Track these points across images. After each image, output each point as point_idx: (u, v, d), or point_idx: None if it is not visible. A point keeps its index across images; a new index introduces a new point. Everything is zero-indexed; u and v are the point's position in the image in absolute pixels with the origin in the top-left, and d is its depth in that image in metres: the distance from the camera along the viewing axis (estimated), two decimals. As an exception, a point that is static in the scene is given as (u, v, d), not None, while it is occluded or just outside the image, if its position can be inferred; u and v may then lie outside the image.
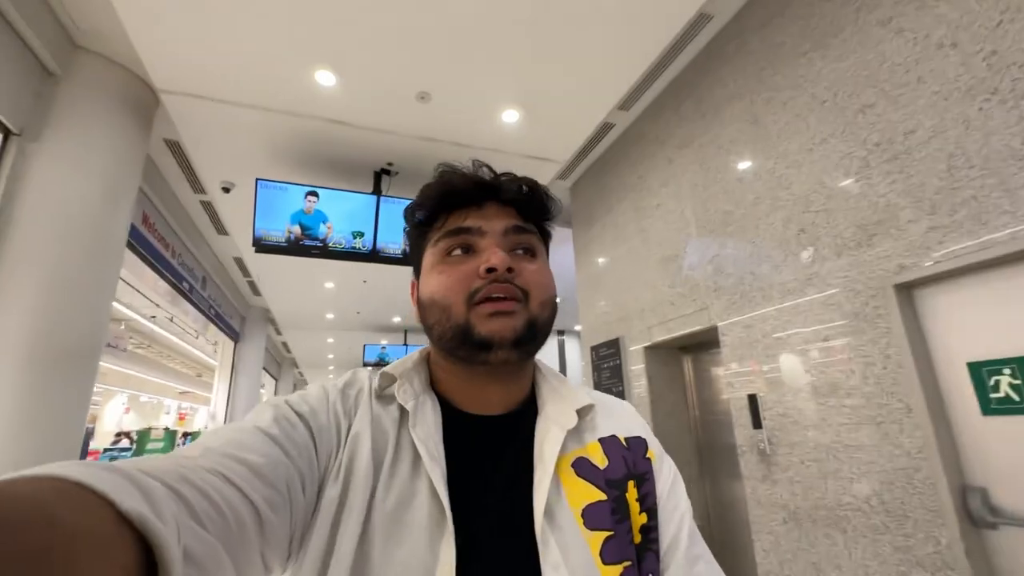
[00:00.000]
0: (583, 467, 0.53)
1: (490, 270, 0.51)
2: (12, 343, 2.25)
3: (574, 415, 0.55)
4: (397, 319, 8.77)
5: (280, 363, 13.95)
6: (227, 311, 7.13)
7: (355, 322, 8.86)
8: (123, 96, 2.89)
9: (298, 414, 0.47)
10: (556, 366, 9.56)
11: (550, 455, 0.51)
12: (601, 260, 3.89)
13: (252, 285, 7.20)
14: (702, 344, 3.19)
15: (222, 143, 3.41)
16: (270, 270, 6.05)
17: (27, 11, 2.37)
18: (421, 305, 0.56)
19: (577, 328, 9.61)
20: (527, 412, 0.56)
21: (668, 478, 0.58)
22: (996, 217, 1.57)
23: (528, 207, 0.58)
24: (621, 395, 3.44)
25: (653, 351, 3.31)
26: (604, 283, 3.85)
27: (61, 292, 2.46)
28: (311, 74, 2.80)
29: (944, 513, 1.64)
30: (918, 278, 1.76)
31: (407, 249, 0.64)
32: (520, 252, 0.56)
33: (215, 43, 2.57)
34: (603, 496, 0.51)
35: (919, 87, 1.80)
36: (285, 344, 11.56)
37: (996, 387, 1.59)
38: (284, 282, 6.61)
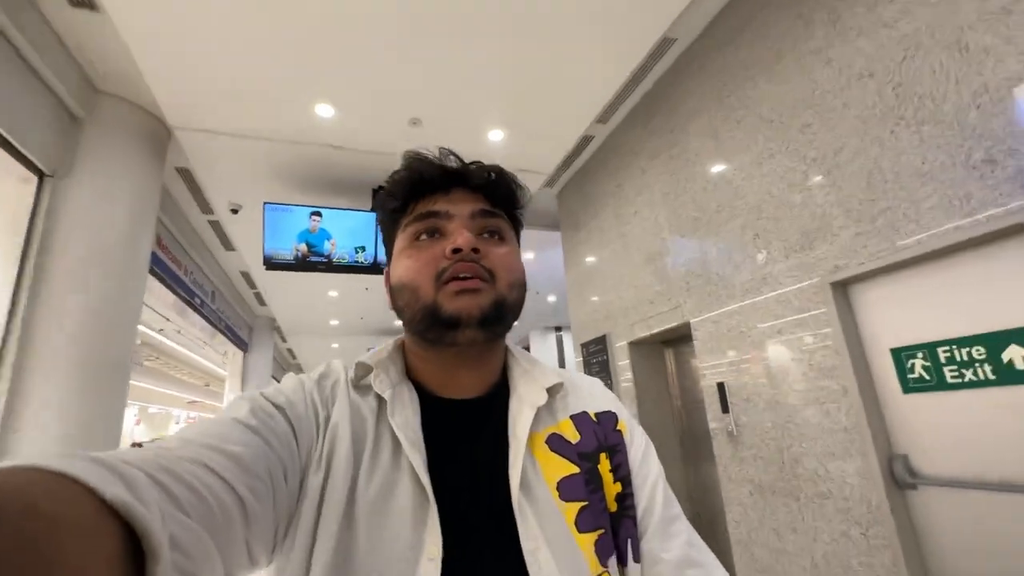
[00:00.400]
0: (556, 443, 0.55)
1: (456, 250, 0.52)
2: (64, 358, 2.53)
3: (544, 393, 0.56)
4: (399, 323, 9.03)
5: (286, 370, 14.24)
6: (235, 322, 7.41)
7: (359, 327, 9.14)
8: (140, 133, 3.16)
9: (275, 405, 0.47)
10: (555, 361, 9.86)
11: (523, 431, 0.53)
12: (588, 261, 4.17)
13: (258, 296, 7.48)
14: (681, 338, 3.47)
15: (231, 170, 3.68)
16: (276, 282, 6.33)
17: (53, 62, 2.64)
18: (392, 290, 0.57)
19: (574, 324, 9.90)
20: (500, 394, 0.58)
21: (640, 447, 0.60)
22: (905, 225, 1.84)
23: (496, 193, 0.58)
24: (610, 387, 3.72)
25: (636, 346, 3.59)
26: (591, 283, 4.12)
27: (99, 313, 2.74)
28: (312, 107, 3.06)
29: (874, 478, 1.92)
30: (850, 276, 2.04)
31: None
32: (487, 236, 0.56)
33: (223, 83, 2.84)
34: (576, 469, 0.53)
35: (844, 111, 2.07)
36: (291, 351, 11.84)
37: (912, 369, 1.87)
38: (289, 293, 6.89)
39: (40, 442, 2.40)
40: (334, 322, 8.71)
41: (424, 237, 0.55)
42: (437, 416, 0.54)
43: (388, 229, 0.60)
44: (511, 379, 0.59)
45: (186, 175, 3.97)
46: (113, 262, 2.90)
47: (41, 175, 2.73)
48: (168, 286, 4.60)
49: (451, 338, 0.51)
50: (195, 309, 5.56)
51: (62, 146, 2.82)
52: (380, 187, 4.80)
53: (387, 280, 0.60)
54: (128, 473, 0.27)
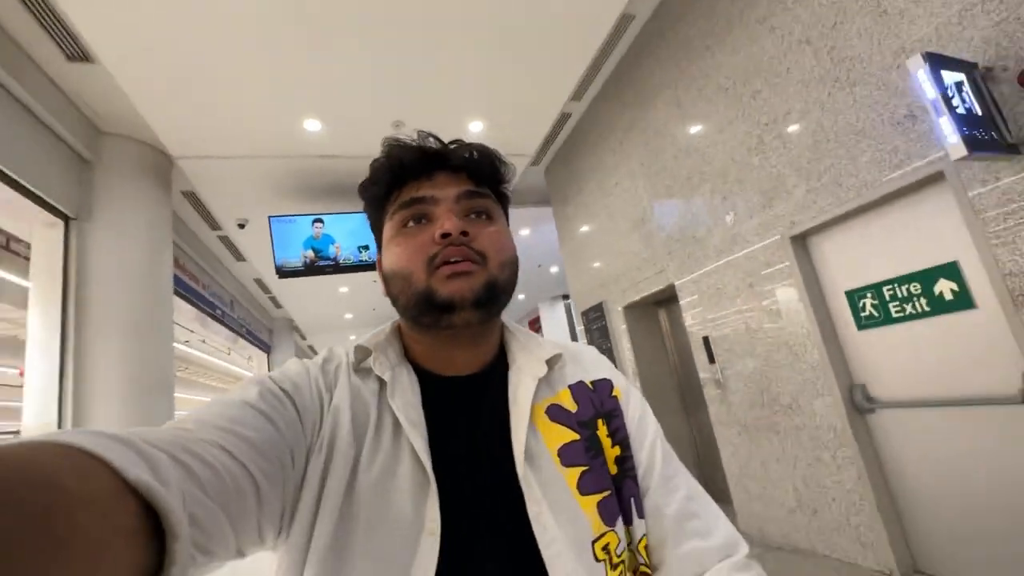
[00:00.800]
0: (556, 412, 0.56)
1: (444, 235, 0.52)
2: (114, 383, 2.85)
3: (543, 365, 0.57)
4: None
5: (309, 365, 14.71)
6: (255, 327, 7.77)
7: (372, 317, 9.48)
8: (146, 166, 3.39)
9: (283, 390, 0.48)
10: (566, 332, 10.14)
11: (524, 401, 0.53)
12: (579, 233, 4.37)
13: (273, 300, 7.81)
14: (670, 299, 3.69)
15: (233, 188, 3.91)
16: (288, 286, 6.62)
17: (58, 111, 2.85)
18: (384, 278, 0.57)
19: (580, 291, 10.13)
20: (498, 368, 0.58)
21: (637, 409, 0.61)
22: (846, 180, 2.02)
23: (479, 172, 0.57)
24: (610, 352, 3.98)
25: (631, 310, 3.82)
26: (584, 254, 4.33)
27: (137, 337, 3.04)
28: (300, 124, 3.26)
29: (838, 406, 2.16)
30: (805, 230, 2.24)
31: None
32: (474, 216, 0.56)
33: (217, 113, 3.03)
34: (576, 436, 0.54)
35: (788, 76, 2.22)
36: (311, 347, 12.28)
37: (863, 308, 2.09)
38: (302, 294, 7.19)
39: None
40: (348, 316, 9.05)
41: (411, 224, 0.54)
42: (437, 395, 0.54)
43: (375, 218, 0.60)
44: (509, 353, 0.59)
45: (192, 197, 4.20)
46: (142, 289, 3.18)
47: (66, 219, 2.99)
48: (189, 301, 4.90)
49: (446, 321, 0.52)
50: (216, 319, 5.89)
51: (78, 189, 3.07)
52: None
53: (379, 268, 0.60)
54: (150, 453, 0.28)
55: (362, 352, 0.55)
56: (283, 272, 3.85)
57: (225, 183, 3.81)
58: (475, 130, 3.66)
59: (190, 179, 3.69)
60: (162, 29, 2.42)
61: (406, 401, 0.52)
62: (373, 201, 0.59)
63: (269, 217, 3.82)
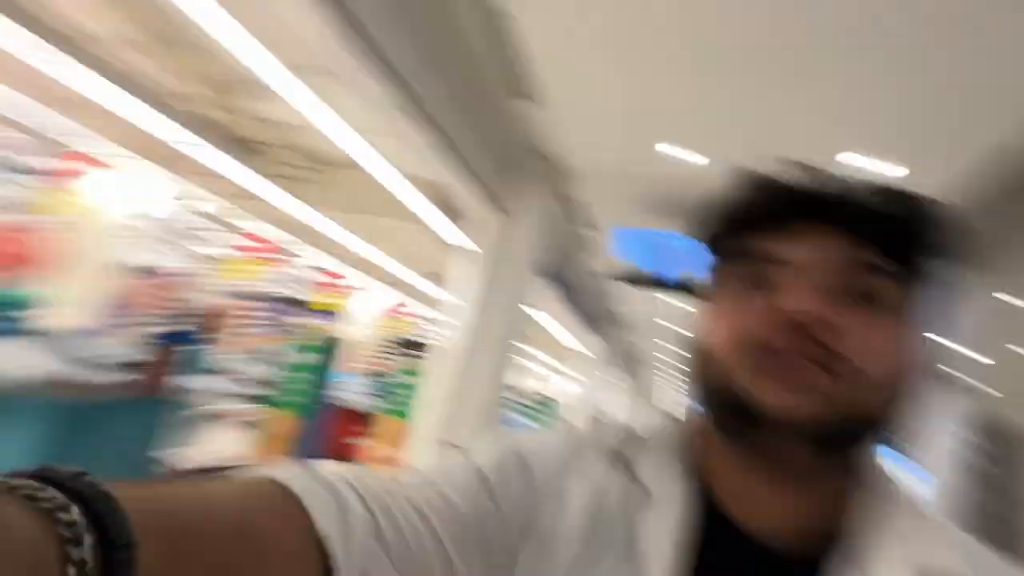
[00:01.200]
0: None
1: (791, 319, 0.34)
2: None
3: None
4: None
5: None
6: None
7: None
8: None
9: (523, 465, 0.41)
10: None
11: None
12: None
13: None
14: None
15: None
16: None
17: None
18: (692, 352, 0.42)
19: None
20: (834, 552, 0.36)
21: None
22: None
23: (878, 230, 0.36)
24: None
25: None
26: None
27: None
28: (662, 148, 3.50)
29: None
30: None
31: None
32: (851, 300, 0.35)
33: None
34: None
35: None
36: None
37: None
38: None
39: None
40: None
41: (742, 288, 0.38)
42: (716, 555, 0.37)
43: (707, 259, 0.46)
44: (862, 530, 0.36)
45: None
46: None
47: (500, 208, 4.19)
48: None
49: (758, 438, 0.35)
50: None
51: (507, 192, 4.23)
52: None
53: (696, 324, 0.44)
54: (349, 506, 0.28)
55: (634, 444, 0.43)
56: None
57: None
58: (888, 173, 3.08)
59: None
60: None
61: (661, 529, 0.37)
62: (704, 237, 0.43)
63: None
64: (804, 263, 0.36)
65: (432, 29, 2.71)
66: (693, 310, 0.44)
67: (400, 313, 9.00)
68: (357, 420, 4.66)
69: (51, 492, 0.17)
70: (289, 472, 0.28)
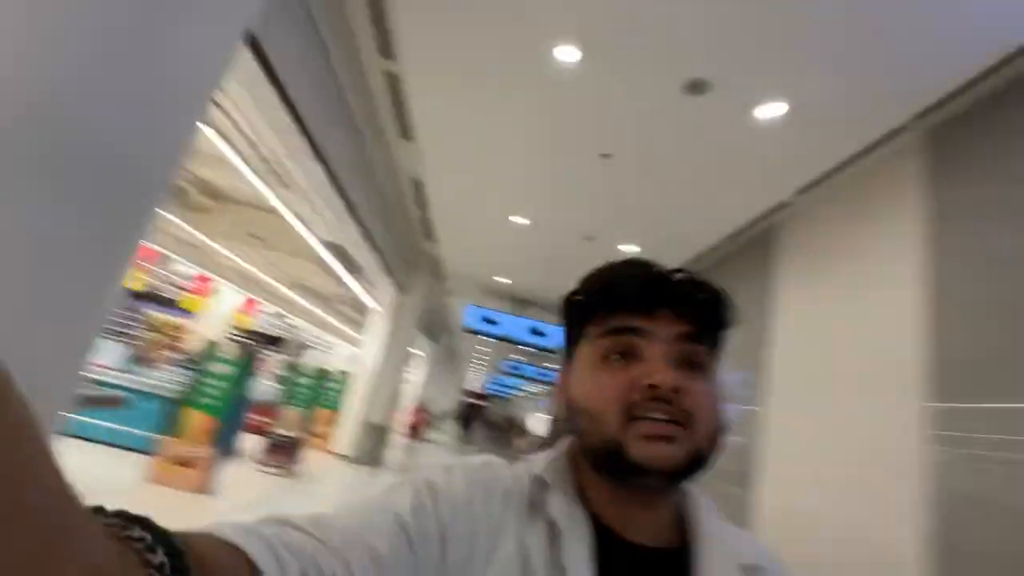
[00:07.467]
0: None
1: (653, 386, 0.44)
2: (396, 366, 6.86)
3: (739, 574, 0.48)
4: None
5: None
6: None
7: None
8: (430, 269, 7.39)
9: (437, 509, 0.44)
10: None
11: None
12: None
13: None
14: None
15: (461, 283, 7.82)
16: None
17: (413, 248, 6.88)
18: (569, 403, 0.51)
19: None
20: (684, 551, 0.49)
21: None
22: None
23: (703, 315, 0.49)
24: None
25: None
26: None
27: (425, 363, 7.03)
28: (494, 277, 6.93)
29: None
30: None
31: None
32: (688, 368, 0.47)
33: (463, 258, 6.81)
34: None
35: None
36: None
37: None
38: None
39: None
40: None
41: (615, 357, 0.48)
42: (614, 561, 0.46)
43: (571, 330, 0.54)
44: (696, 535, 0.50)
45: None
46: (412, 328, 7.15)
47: (400, 290, 7.05)
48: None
49: (632, 482, 0.46)
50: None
51: (407, 277, 7.13)
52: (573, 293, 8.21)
53: (560, 383, 0.55)
54: (287, 566, 0.32)
55: (540, 486, 0.50)
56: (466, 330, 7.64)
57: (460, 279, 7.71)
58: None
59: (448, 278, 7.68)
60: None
61: (579, 558, 0.45)
62: (575, 314, 0.54)
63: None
64: (663, 338, 0.47)
65: (373, 184, 4.38)
66: (560, 372, 0.55)
67: (252, 310, 10.47)
68: (267, 412, 6.00)
69: (138, 532, 0.25)
70: (234, 533, 0.32)
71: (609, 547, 0.46)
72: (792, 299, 3.53)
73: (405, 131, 3.96)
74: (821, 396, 2.95)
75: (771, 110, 2.70)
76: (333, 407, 7.00)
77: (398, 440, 9.60)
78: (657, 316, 0.48)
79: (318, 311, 11.17)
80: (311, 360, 12.13)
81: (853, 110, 2.59)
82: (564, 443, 0.54)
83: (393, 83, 3.39)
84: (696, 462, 0.45)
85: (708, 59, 2.48)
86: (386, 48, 3.06)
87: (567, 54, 2.64)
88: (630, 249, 5.07)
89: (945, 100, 2.39)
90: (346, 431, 6.52)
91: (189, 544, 0.27)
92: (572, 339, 0.54)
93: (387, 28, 2.87)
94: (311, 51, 2.77)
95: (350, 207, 4.19)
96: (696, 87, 2.65)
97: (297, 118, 2.82)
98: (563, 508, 0.47)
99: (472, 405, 20.04)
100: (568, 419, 0.51)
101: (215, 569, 0.29)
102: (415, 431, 12.52)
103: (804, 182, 3.30)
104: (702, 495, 0.53)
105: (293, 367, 7.19)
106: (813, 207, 3.45)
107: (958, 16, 2.00)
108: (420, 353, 13.14)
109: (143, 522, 0.26)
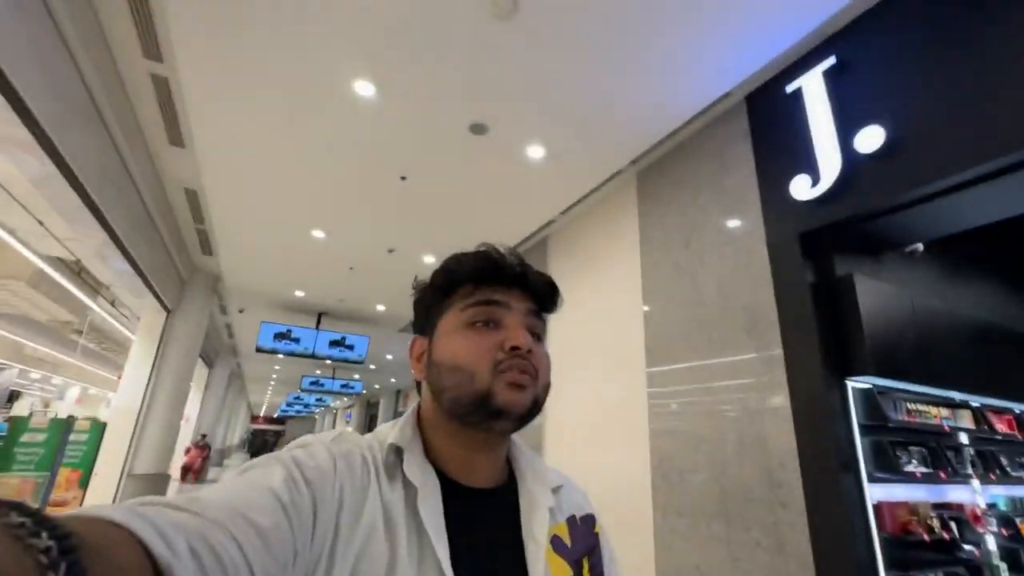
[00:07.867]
0: (558, 545, 0.59)
1: (515, 348, 0.56)
2: (168, 414, 5.87)
3: (551, 495, 0.62)
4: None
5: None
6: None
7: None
8: (209, 285, 6.54)
9: (306, 481, 0.47)
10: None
11: (540, 532, 0.57)
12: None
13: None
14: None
15: (249, 299, 7.09)
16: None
17: (181, 262, 5.98)
18: (435, 365, 0.59)
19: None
20: (510, 486, 0.62)
21: (609, 546, 0.67)
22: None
23: (543, 298, 0.64)
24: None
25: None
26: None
27: (200, 390, 6.08)
28: (292, 292, 6.57)
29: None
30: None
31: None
32: (532, 336, 0.60)
33: (252, 273, 6.28)
34: (571, 572, 0.58)
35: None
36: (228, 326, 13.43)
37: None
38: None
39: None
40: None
41: (480, 324, 0.59)
42: (458, 506, 0.55)
43: (433, 303, 0.63)
44: (517, 471, 0.64)
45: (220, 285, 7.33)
46: (192, 355, 6.24)
47: (168, 311, 6.06)
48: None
49: (489, 425, 0.56)
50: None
51: (177, 295, 6.17)
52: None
53: (415, 350, 0.64)
54: (174, 541, 0.32)
55: (395, 452, 0.57)
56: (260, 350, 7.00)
57: (246, 297, 7.00)
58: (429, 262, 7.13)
59: (226, 291, 6.88)
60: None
61: (433, 510, 0.53)
62: (440, 288, 0.63)
63: (261, 321, 7.03)
64: (519, 310, 0.60)
65: (131, 189, 4.19)
66: (416, 342, 0.64)
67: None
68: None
69: (16, 518, 0.23)
70: (116, 512, 0.31)
71: (455, 495, 0.56)
72: (563, 294, 4.34)
73: (175, 137, 3.55)
74: (585, 370, 3.74)
75: (535, 152, 3.35)
76: (82, 465, 5.60)
77: (172, 488, 8.16)
78: (513, 292, 0.61)
79: (40, 346, 8.65)
80: (42, 410, 9.34)
81: (590, 155, 3.41)
82: (406, 416, 0.62)
83: (160, 86, 3.04)
84: (537, 406, 0.58)
85: (485, 108, 2.97)
86: (152, 49, 2.76)
87: (364, 88, 2.82)
88: (430, 260, 5.52)
89: (648, 151, 3.36)
90: (104, 492, 5.33)
91: (74, 526, 0.26)
92: (432, 313, 0.63)
93: (153, 28, 2.60)
94: (45, 39, 2.34)
95: (94, 211, 3.52)
96: (478, 128, 3.13)
97: (24, 109, 2.32)
98: (416, 469, 0.55)
99: (264, 432, 18.07)
100: (432, 379, 0.59)
101: (103, 549, 0.28)
102: (192, 472, 10.68)
103: (564, 206, 4.12)
104: (518, 439, 0.66)
105: (12, 422, 5.53)
106: (572, 223, 4.33)
107: (652, 92, 2.79)
108: (197, 383, 11.35)
109: (20, 508, 0.24)
